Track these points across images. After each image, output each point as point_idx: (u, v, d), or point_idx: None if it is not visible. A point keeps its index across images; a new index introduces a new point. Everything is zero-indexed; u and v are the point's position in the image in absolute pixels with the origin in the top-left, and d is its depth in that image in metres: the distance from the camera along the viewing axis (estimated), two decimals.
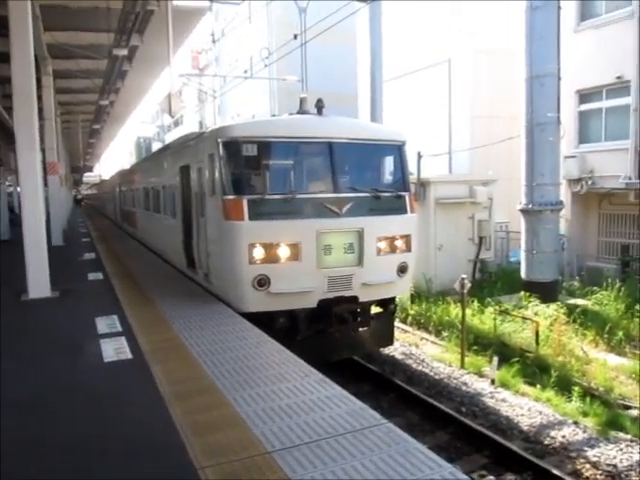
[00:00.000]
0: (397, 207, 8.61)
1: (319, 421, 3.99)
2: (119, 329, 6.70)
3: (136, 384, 4.93)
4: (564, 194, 14.65)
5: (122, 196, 22.83)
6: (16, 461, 3.61)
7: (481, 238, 15.09)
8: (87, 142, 38.36)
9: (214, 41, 31.79)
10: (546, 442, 7.15)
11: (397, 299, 9.52)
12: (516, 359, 9.76)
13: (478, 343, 10.80)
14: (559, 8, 13.08)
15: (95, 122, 28.27)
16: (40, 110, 11.51)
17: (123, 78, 18.54)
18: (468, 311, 11.11)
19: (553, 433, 7.34)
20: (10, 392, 4.83)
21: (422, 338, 12.01)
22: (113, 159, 78.14)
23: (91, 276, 10.74)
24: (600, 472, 6.40)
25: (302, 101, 8.91)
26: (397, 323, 10.90)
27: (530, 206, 13.07)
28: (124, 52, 13.28)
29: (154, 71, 20.54)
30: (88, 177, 52.33)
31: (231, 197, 7.71)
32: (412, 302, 13.30)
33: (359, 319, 8.61)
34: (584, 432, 7.33)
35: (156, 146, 50.28)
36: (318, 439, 3.71)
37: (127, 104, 26.45)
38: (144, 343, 6.04)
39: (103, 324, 6.92)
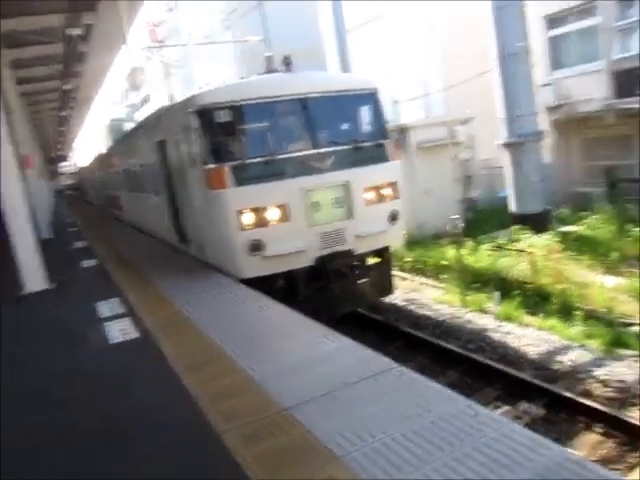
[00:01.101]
0: (379, 156, 8.54)
1: (331, 372, 4.02)
2: (122, 311, 6.67)
3: (146, 361, 4.93)
4: (544, 123, 14.57)
5: (103, 181, 22.51)
6: (47, 445, 3.65)
7: (467, 177, 15.08)
8: (58, 131, 37.57)
9: (170, 9, 30.79)
10: (555, 367, 7.29)
11: (392, 247, 9.53)
12: (516, 292, 9.86)
13: (477, 281, 10.89)
14: None
15: (62, 109, 27.58)
16: (4, 103, 11.17)
17: (82, 60, 17.96)
18: (463, 250, 11.16)
19: (561, 358, 7.47)
20: (26, 383, 4.86)
21: (422, 283, 12.10)
22: (87, 145, 76.71)
23: (85, 264, 10.65)
24: (610, 389, 6.54)
25: (268, 60, 8.74)
26: (395, 271, 10.93)
27: (511, 139, 13.01)
28: (78, 32, 12.81)
29: (113, 48, 19.93)
30: (63, 167, 51.48)
31: (212, 166, 7.60)
32: (408, 249, 13.32)
33: (357, 272, 8.64)
34: (591, 353, 7.46)
35: (129, 127, 49.42)
36: (333, 390, 3.74)
37: (91, 86, 25.78)
38: (148, 321, 6.02)
39: (105, 308, 6.90)
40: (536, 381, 6.78)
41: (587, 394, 6.55)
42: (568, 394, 6.34)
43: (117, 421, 3.88)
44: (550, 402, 6.43)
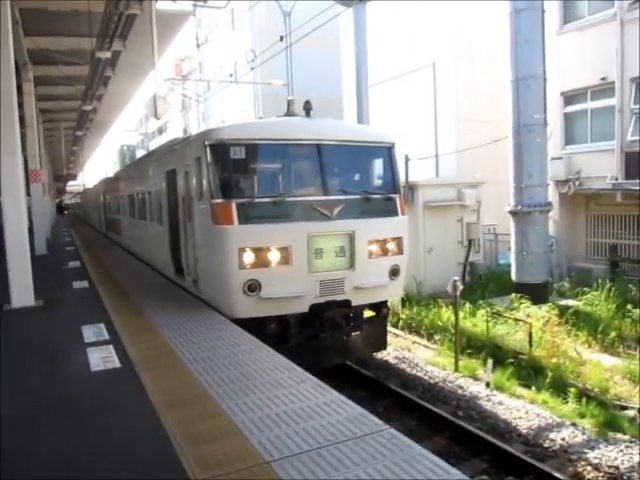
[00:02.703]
0: (388, 209, 8.50)
1: (318, 428, 3.83)
2: (106, 337, 6.49)
3: (126, 393, 4.73)
4: (552, 196, 14.66)
5: (107, 204, 22.52)
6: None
7: (470, 241, 15.06)
8: (70, 150, 37.95)
9: (198, 45, 31.54)
10: (546, 445, 7.04)
11: (389, 302, 9.39)
12: (510, 361, 9.68)
13: (471, 346, 10.72)
14: (543, 11, 13.11)
15: (78, 129, 27.94)
16: (21, 118, 11.29)
17: (106, 84, 18.32)
18: (460, 314, 11.01)
19: (552, 435, 7.23)
20: None
21: (414, 342, 11.89)
22: (97, 168, 77.41)
23: (76, 284, 10.48)
24: (602, 474, 6.29)
25: (289, 103, 8.80)
26: (389, 327, 10.75)
27: (519, 207, 13.03)
28: (107, 55, 13.08)
29: (137, 78, 20.41)
30: (71, 186, 51.77)
31: (219, 201, 7.54)
32: (403, 306, 13.18)
33: (352, 323, 8.48)
34: (583, 434, 7.23)
35: (140, 154, 49.95)
36: (318, 447, 3.55)
37: (110, 111, 26.25)
38: (133, 351, 5.83)
39: (90, 332, 6.70)
40: (526, 458, 6.52)
41: (578, 477, 6.30)
42: (559, 475, 6.08)
43: (84, 455, 3.66)
44: None
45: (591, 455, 6.70)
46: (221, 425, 3.94)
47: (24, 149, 10.85)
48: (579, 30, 15.06)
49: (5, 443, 3.86)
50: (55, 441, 3.92)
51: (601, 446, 6.92)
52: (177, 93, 28.14)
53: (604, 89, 14.47)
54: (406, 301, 13.19)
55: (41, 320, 7.88)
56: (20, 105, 12.14)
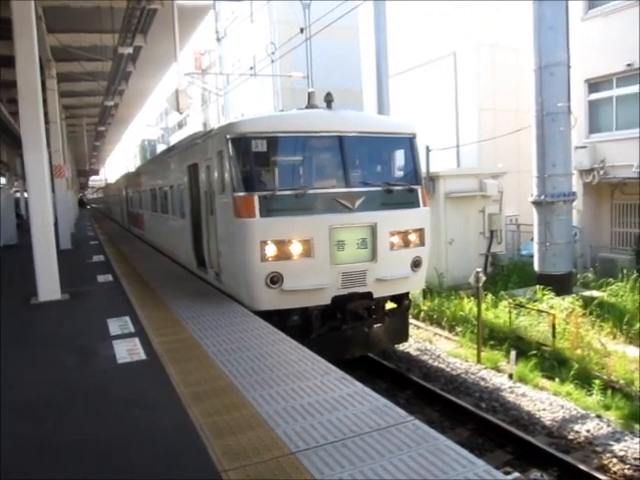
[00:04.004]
0: (410, 201, 8.47)
1: (343, 419, 3.86)
2: (132, 330, 6.58)
3: (152, 386, 4.81)
4: (576, 185, 14.45)
5: (129, 198, 22.78)
6: (28, 467, 3.50)
7: (492, 232, 14.93)
8: (92, 145, 38.41)
9: (218, 39, 31.58)
10: (570, 437, 6.99)
11: (411, 294, 9.37)
12: (533, 353, 9.61)
13: (493, 337, 10.66)
14: None
15: (100, 124, 28.26)
16: (45, 113, 11.44)
17: (127, 79, 18.47)
18: (482, 305, 10.95)
19: (577, 427, 7.17)
20: (23, 395, 4.73)
21: (435, 334, 11.86)
22: (118, 162, 78.28)
23: (101, 278, 10.64)
24: (628, 466, 6.23)
25: (310, 95, 8.77)
26: (410, 319, 10.74)
27: (542, 197, 12.87)
28: (129, 50, 13.18)
29: (157, 72, 20.53)
30: (94, 181, 52.40)
31: (242, 194, 7.58)
32: (424, 297, 13.14)
33: (373, 315, 8.48)
34: (608, 426, 7.16)
35: (160, 148, 50.32)
36: (343, 438, 3.58)
37: (131, 106, 26.46)
38: (158, 344, 5.92)
39: (115, 325, 6.81)
40: (550, 449, 6.48)
41: (603, 469, 6.24)
42: (583, 467, 6.03)
43: (114, 446, 3.73)
44: (563, 473, 6.13)
45: (616, 447, 6.64)
46: (247, 416, 3.99)
47: (48, 145, 10.99)
48: (604, 16, 14.79)
49: (33, 432, 3.97)
50: (83, 431, 3.99)
51: (627, 438, 6.85)
52: (197, 87, 28.23)
53: (630, 76, 14.21)
54: (427, 293, 13.15)
55: (67, 313, 8.01)
56: (44, 101, 12.29)
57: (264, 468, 3.25)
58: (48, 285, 8.62)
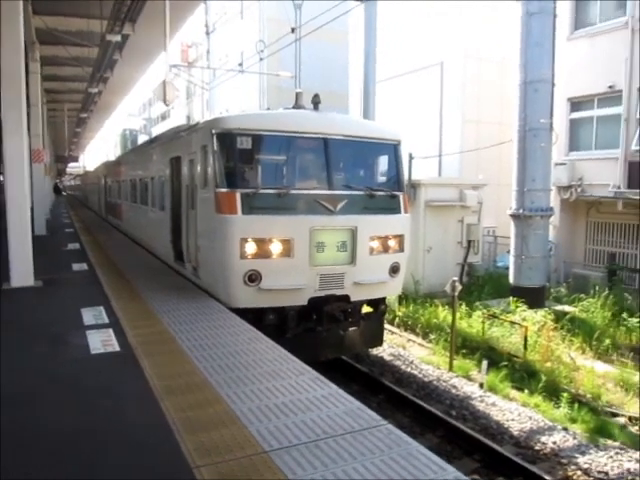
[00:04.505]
0: (391, 206, 8.52)
1: (316, 420, 3.86)
2: (106, 321, 6.50)
3: (125, 377, 4.75)
4: (553, 201, 14.68)
5: (108, 188, 22.48)
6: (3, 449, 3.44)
7: (469, 242, 15.09)
8: (73, 131, 37.87)
9: (208, 33, 31.38)
10: (537, 447, 7.10)
11: (387, 299, 9.42)
12: (504, 363, 9.74)
13: (466, 346, 10.77)
14: (555, 15, 13.09)
15: (82, 110, 27.90)
16: (27, 97, 11.24)
17: (112, 67, 18.25)
18: (456, 314, 11.05)
19: (543, 439, 7.29)
20: None
21: (409, 340, 11.94)
22: (98, 151, 77.18)
23: (75, 266, 10.49)
24: (592, 479, 6.35)
25: (298, 96, 8.77)
26: (385, 324, 10.79)
27: (521, 211, 13.06)
28: (117, 38, 13.06)
29: (143, 62, 20.32)
30: (72, 167, 51.61)
31: (224, 190, 7.54)
32: (400, 303, 13.22)
33: (349, 319, 8.50)
34: (574, 438, 7.29)
35: (142, 139, 49.77)
36: (316, 439, 3.58)
37: (115, 95, 26.17)
38: (132, 336, 5.85)
39: (89, 315, 6.72)
40: (517, 459, 6.57)
41: None
42: (549, 478, 6.13)
43: (83, 435, 3.69)
44: None
45: (581, 460, 6.76)
46: (220, 413, 3.97)
47: (28, 129, 10.82)
48: (589, 36, 15.07)
49: (4, 422, 3.89)
50: (54, 421, 3.93)
51: (591, 451, 6.98)
52: (182, 80, 28.01)
53: (611, 97, 14.50)
54: (403, 299, 13.23)
55: (40, 301, 7.90)
56: (26, 84, 12.10)
57: (237, 466, 3.23)
58: (21, 271, 8.47)
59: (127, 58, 17.84)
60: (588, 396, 8.71)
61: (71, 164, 51.89)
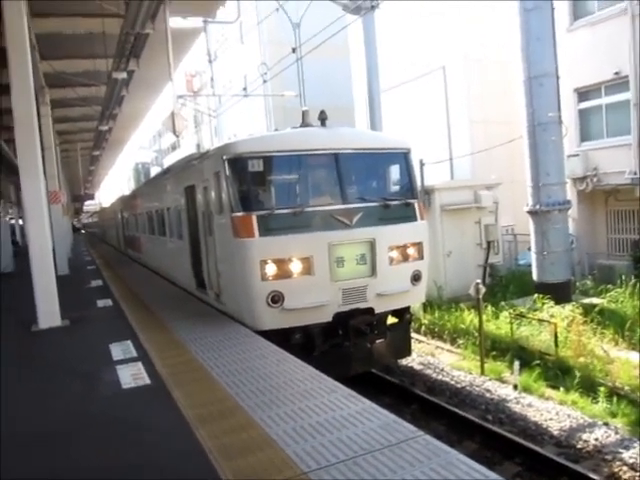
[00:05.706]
0: (407, 215, 8.51)
1: (353, 437, 3.84)
2: (134, 354, 6.56)
3: (158, 409, 4.78)
4: (569, 193, 14.54)
5: (125, 222, 22.76)
6: None
7: (489, 242, 14.97)
8: (87, 170, 38.45)
9: (210, 61, 31.81)
10: (579, 446, 6.96)
11: (411, 308, 9.36)
12: (536, 362, 9.58)
13: (495, 348, 10.63)
14: (552, 8, 13.06)
15: (95, 148, 28.34)
16: (40, 140, 11.47)
17: (121, 103, 18.54)
18: (482, 316, 10.94)
19: (585, 436, 7.15)
20: (30, 426, 4.68)
21: (437, 347, 11.83)
22: (113, 186, 78.36)
23: (100, 303, 10.60)
24: (639, 474, 6.20)
25: (304, 114, 8.84)
26: (411, 333, 10.72)
27: (538, 207, 12.93)
28: (124, 75, 13.28)
29: (150, 95, 20.65)
30: (89, 205, 52.33)
31: (240, 214, 7.60)
32: (424, 311, 13.12)
33: (375, 331, 8.47)
34: (616, 433, 7.13)
35: (154, 171, 50.36)
36: (354, 456, 3.56)
37: (125, 130, 26.58)
38: (161, 367, 5.89)
39: (118, 350, 6.79)
40: (560, 459, 6.45)
41: (614, 477, 6.21)
42: (594, 476, 6.00)
43: (124, 472, 3.70)
44: None
45: (626, 455, 6.61)
46: (255, 437, 3.97)
47: (44, 171, 11.03)
48: (590, 26, 14.98)
49: (42, 461, 3.93)
50: (94, 459, 3.96)
51: (635, 445, 6.82)
52: (189, 109, 28.40)
53: (618, 83, 14.36)
54: (427, 306, 13.14)
55: (69, 340, 7.98)
56: (38, 128, 12.36)
57: None
58: (48, 312, 8.57)
59: (134, 93, 18.12)
60: (626, 388, 8.50)
61: (87, 202, 52.64)
